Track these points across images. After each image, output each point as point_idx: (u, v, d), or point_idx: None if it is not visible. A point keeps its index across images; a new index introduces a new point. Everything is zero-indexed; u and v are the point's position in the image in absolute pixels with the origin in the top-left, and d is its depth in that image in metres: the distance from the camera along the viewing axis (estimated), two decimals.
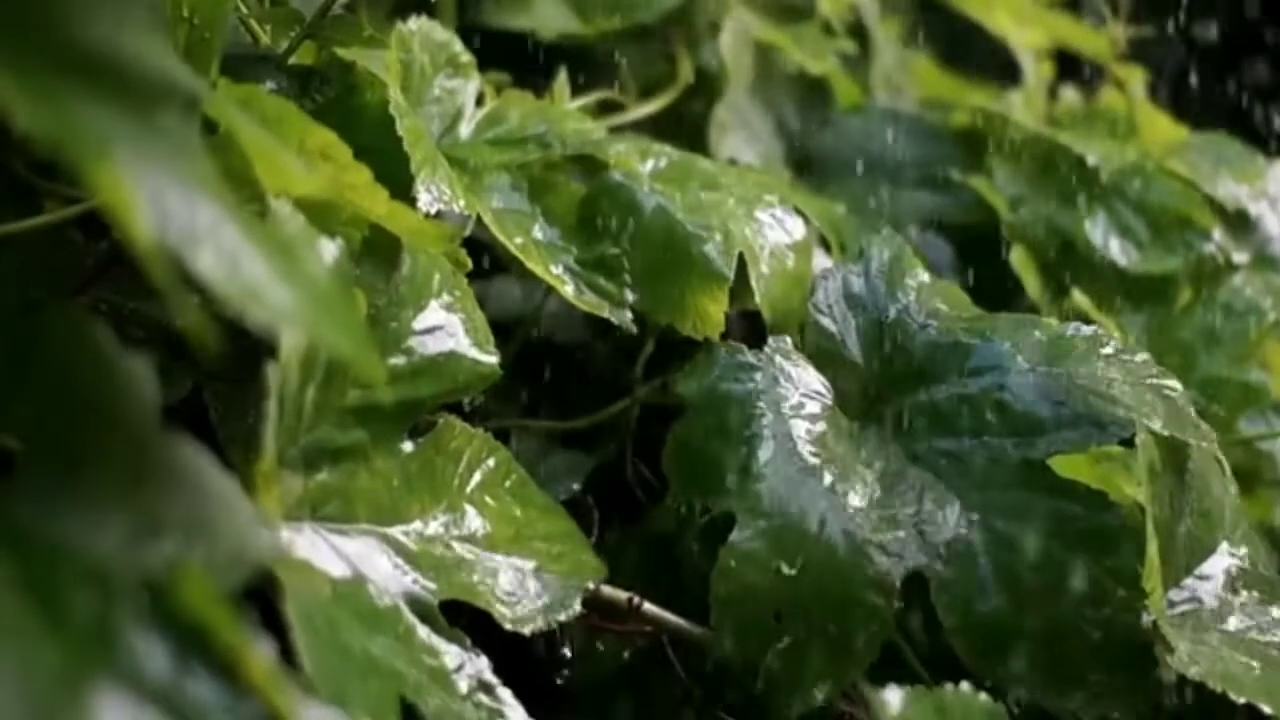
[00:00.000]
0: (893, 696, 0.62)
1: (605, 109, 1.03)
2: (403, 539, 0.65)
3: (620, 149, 0.86)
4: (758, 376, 0.76)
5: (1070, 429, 0.73)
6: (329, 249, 0.61)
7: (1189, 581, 0.74)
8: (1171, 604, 0.73)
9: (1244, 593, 0.75)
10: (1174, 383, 0.76)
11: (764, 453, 0.73)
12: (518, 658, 0.66)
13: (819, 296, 0.82)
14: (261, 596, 0.51)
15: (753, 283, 0.82)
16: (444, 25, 0.84)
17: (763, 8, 1.20)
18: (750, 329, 0.87)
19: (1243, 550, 0.77)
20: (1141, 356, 0.77)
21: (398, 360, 0.68)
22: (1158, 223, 1.14)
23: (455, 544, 0.67)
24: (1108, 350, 0.77)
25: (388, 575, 0.63)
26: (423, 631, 0.62)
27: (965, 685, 0.64)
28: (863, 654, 0.70)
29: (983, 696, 0.63)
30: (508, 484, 0.71)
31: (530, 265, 0.77)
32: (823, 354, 0.80)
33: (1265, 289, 1.10)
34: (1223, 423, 1.00)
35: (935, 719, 0.62)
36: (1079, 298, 1.07)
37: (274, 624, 0.51)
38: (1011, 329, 0.79)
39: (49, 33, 0.45)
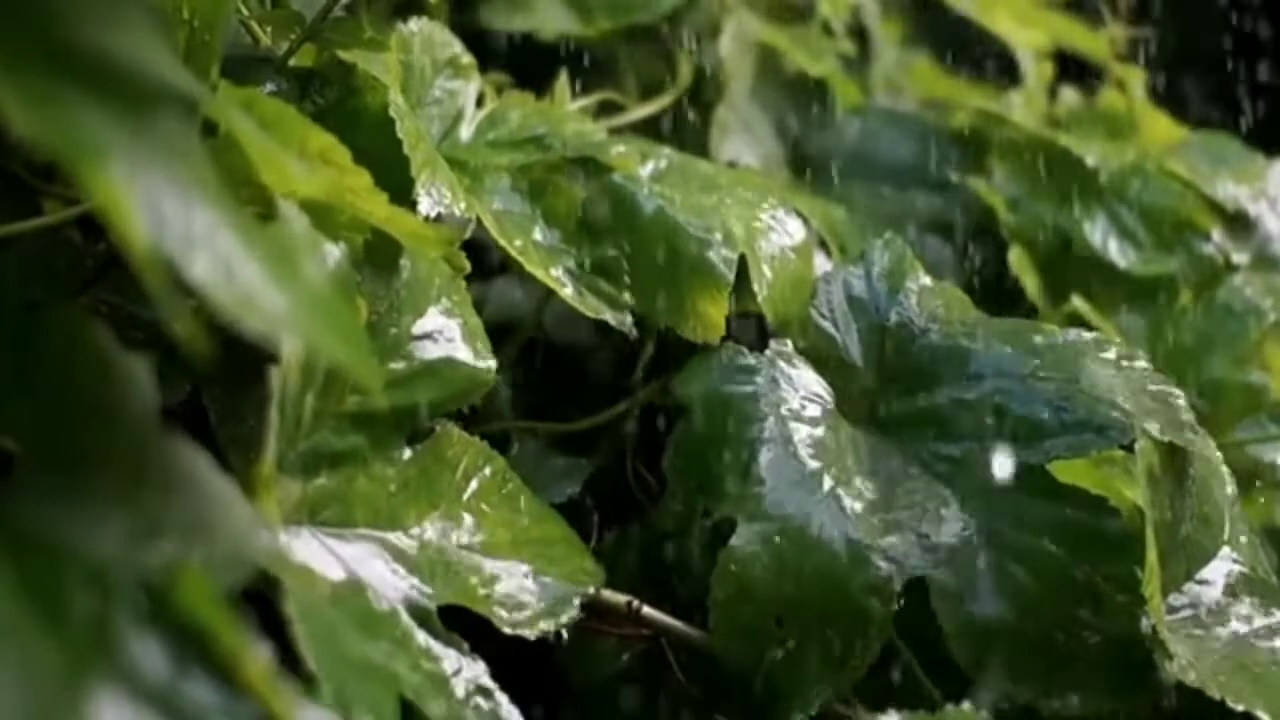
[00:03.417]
0: None
1: (605, 110, 1.03)
2: (401, 544, 0.65)
3: (620, 151, 0.86)
4: (758, 379, 0.76)
5: (1070, 434, 0.73)
6: (332, 253, 0.61)
7: (1189, 586, 0.74)
8: (1171, 609, 0.73)
9: (1244, 598, 0.75)
10: (1175, 389, 0.76)
11: (764, 456, 0.73)
12: (517, 661, 0.66)
13: (820, 300, 0.82)
14: (260, 599, 0.51)
15: (754, 285, 0.82)
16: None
17: (763, 9, 1.20)
18: (751, 331, 0.87)
19: (1243, 555, 0.77)
20: (1142, 362, 0.77)
21: (396, 366, 0.68)
22: (1157, 223, 1.14)
23: (453, 550, 0.67)
24: (1108, 355, 0.77)
25: (385, 580, 0.63)
26: (420, 636, 0.62)
27: (966, 705, 0.64)
28: (862, 659, 0.70)
29: (983, 714, 0.63)
30: (504, 491, 0.71)
31: (530, 268, 0.77)
32: (823, 357, 0.80)
33: (1265, 289, 1.10)
34: (1223, 424, 1.00)
35: None
36: (1077, 301, 1.06)
37: (272, 627, 0.52)
38: (1012, 333, 0.79)
39: (46, 35, 0.45)
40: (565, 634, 0.69)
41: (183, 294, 0.43)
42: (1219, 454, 0.75)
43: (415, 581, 0.64)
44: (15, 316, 0.50)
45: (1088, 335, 0.79)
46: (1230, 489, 0.77)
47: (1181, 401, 0.75)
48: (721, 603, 0.71)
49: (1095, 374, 0.75)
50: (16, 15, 0.44)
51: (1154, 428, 0.71)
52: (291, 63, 0.76)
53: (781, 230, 0.86)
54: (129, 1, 0.48)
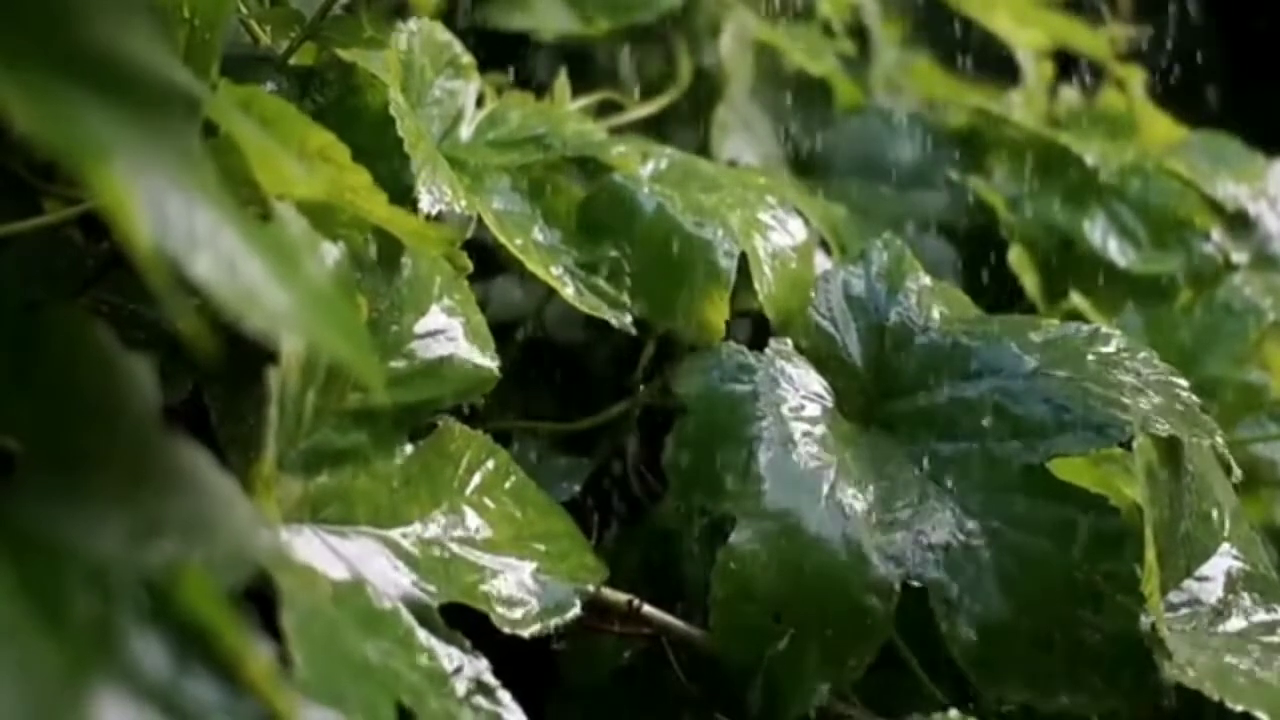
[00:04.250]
0: None
1: (605, 109, 1.03)
2: (402, 541, 0.65)
3: (621, 150, 0.86)
4: (758, 378, 0.76)
5: (1071, 432, 0.73)
6: (331, 252, 0.61)
7: (1189, 583, 0.74)
8: (1171, 606, 0.73)
9: (1245, 594, 0.75)
10: (1179, 379, 0.76)
11: (764, 455, 0.73)
12: (517, 659, 0.66)
13: (819, 299, 0.82)
14: (261, 596, 0.51)
15: (755, 284, 0.82)
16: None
17: (763, 8, 1.20)
18: (752, 331, 0.87)
19: (1244, 551, 0.77)
20: (1143, 354, 0.77)
21: (398, 364, 0.68)
22: (1157, 223, 1.14)
23: (455, 546, 0.68)
24: (1108, 349, 0.77)
25: (387, 577, 0.63)
26: (421, 634, 0.62)
27: (954, 713, 0.64)
28: (861, 658, 0.70)
29: None
30: (507, 485, 0.72)
31: (531, 267, 0.77)
32: (823, 356, 0.80)
33: (1265, 289, 1.10)
34: (1222, 423, 1.00)
35: None
36: (1077, 300, 1.07)
37: (274, 624, 0.52)
38: (1012, 331, 0.79)
39: (49, 34, 0.45)
40: (565, 633, 0.69)
41: (185, 293, 0.43)
42: (1222, 442, 0.74)
43: (417, 579, 0.64)
44: (15, 316, 0.50)
45: (1087, 330, 0.79)
46: (1236, 475, 0.76)
47: (1185, 391, 0.75)
48: (721, 601, 0.71)
49: (1096, 370, 0.75)
50: (19, 14, 0.44)
51: (1158, 423, 0.71)
52: (291, 61, 0.76)
53: (782, 230, 0.86)
54: (131, 0, 0.48)
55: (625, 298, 0.80)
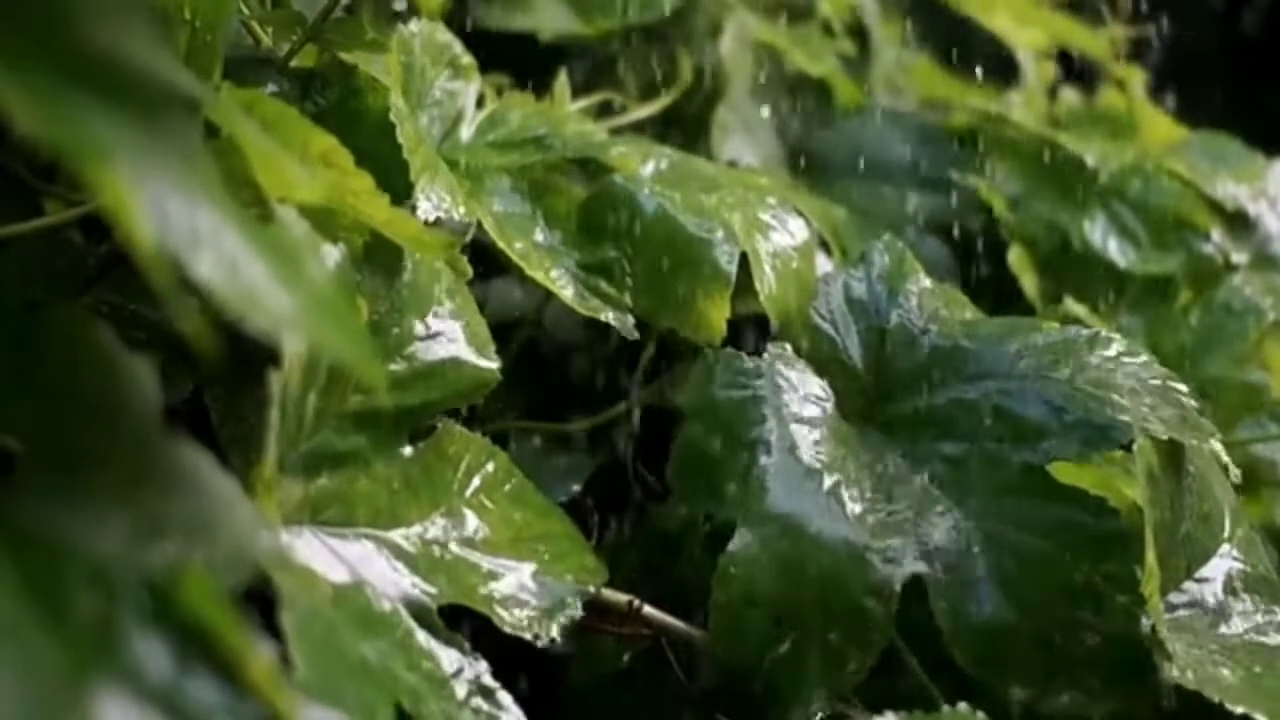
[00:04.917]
0: None
1: (606, 110, 1.03)
2: (402, 543, 0.65)
3: (621, 151, 0.86)
4: (758, 382, 0.76)
5: (1071, 434, 0.73)
6: (331, 254, 0.61)
7: (1189, 584, 0.74)
8: (1171, 607, 0.73)
9: (1245, 595, 0.75)
10: (1178, 383, 0.76)
11: (764, 459, 0.73)
12: (517, 660, 0.66)
13: (820, 301, 0.82)
14: (262, 597, 0.52)
15: (757, 285, 0.82)
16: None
17: (763, 8, 1.20)
18: (751, 332, 0.87)
19: (1243, 551, 0.77)
20: (1144, 357, 0.77)
21: (399, 366, 0.68)
22: (1157, 223, 1.14)
23: (455, 548, 0.68)
24: (1109, 352, 0.77)
25: (387, 579, 0.63)
26: (421, 636, 0.62)
27: (963, 705, 0.64)
28: (862, 660, 0.70)
29: (980, 715, 0.63)
30: (507, 488, 0.72)
31: (530, 272, 0.77)
32: (823, 359, 0.80)
33: (1265, 289, 1.10)
34: (1222, 423, 1.00)
35: None
36: (1074, 304, 1.07)
37: (274, 624, 0.52)
38: (1012, 333, 0.79)
39: (51, 35, 0.45)
40: (565, 634, 0.69)
41: (187, 293, 0.43)
42: (1221, 447, 0.74)
43: (416, 580, 0.64)
44: (15, 316, 0.50)
45: (1087, 332, 0.79)
46: (1235, 476, 0.76)
47: (1185, 396, 0.75)
48: (722, 605, 0.71)
49: (1095, 372, 0.75)
50: (20, 15, 0.44)
51: (1156, 425, 0.71)
52: (293, 63, 0.76)
53: (783, 230, 0.86)
54: (132, 2, 0.48)
55: (626, 298, 0.80)
